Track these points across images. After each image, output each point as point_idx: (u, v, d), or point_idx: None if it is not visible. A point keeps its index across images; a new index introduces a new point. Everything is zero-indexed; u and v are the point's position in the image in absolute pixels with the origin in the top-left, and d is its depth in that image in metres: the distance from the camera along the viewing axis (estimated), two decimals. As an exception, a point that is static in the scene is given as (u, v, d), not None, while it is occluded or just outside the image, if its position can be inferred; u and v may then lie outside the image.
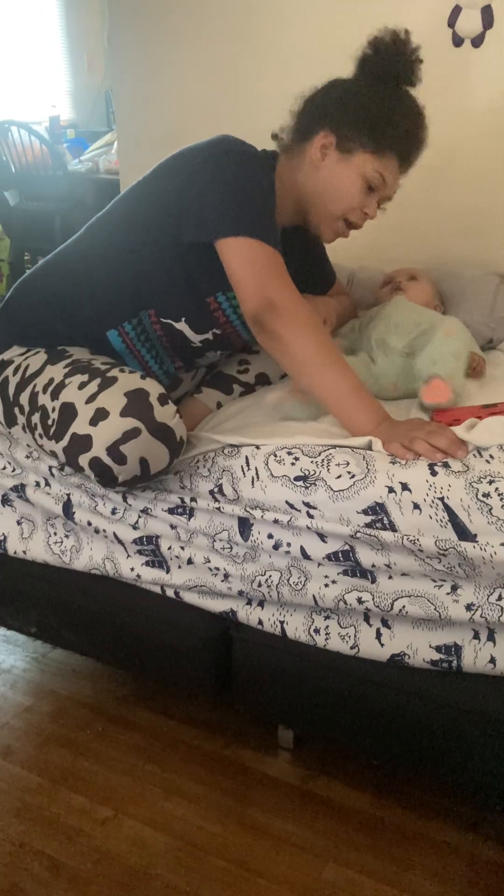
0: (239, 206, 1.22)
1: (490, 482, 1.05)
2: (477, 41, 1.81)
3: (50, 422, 1.22)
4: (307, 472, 1.15)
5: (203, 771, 1.42)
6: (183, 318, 1.34)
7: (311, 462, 1.16)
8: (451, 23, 1.82)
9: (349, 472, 1.13)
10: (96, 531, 1.33)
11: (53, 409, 1.21)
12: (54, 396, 1.22)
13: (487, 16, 1.77)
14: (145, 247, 1.29)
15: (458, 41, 1.83)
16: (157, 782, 1.40)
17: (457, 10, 1.80)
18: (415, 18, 1.84)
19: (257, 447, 1.21)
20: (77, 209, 3.90)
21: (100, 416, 1.14)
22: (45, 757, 1.46)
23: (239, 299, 1.22)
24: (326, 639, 1.19)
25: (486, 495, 1.05)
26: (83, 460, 1.15)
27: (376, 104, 1.30)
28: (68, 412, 1.18)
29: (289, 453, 1.18)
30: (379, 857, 1.25)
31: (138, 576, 1.32)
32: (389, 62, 1.30)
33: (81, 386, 1.19)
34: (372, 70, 1.32)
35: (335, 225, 1.36)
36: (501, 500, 1.04)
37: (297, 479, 1.15)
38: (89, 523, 1.33)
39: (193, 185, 1.24)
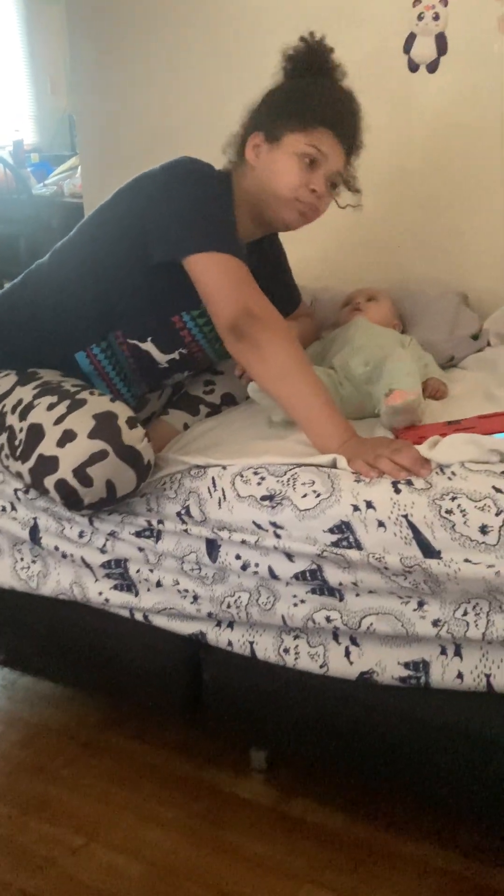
0: (203, 222, 1.24)
1: (452, 499, 1.07)
2: (432, 67, 1.85)
3: (17, 442, 1.21)
4: (273, 492, 1.16)
5: (176, 795, 1.41)
6: (149, 339, 1.35)
7: (277, 481, 1.17)
8: (407, 49, 1.86)
9: (315, 491, 1.14)
10: (63, 556, 1.33)
11: (21, 430, 1.21)
12: (22, 417, 1.22)
13: (441, 43, 1.82)
14: (108, 269, 1.30)
15: (413, 67, 1.87)
16: (130, 808, 1.39)
17: (412, 37, 1.84)
18: (372, 45, 1.88)
19: (224, 468, 1.22)
20: (42, 233, 3.90)
21: (67, 437, 1.14)
22: (14, 786, 1.44)
23: (212, 311, 1.23)
24: (296, 658, 1.20)
25: (449, 512, 1.06)
26: (49, 482, 1.15)
27: (296, 90, 1.36)
28: (36, 433, 1.18)
29: (255, 473, 1.19)
30: (354, 877, 1.25)
31: (107, 600, 1.31)
32: (306, 58, 1.36)
33: (50, 407, 1.19)
34: (292, 68, 1.37)
35: (291, 208, 1.35)
36: (464, 516, 1.06)
37: (263, 498, 1.16)
38: (56, 548, 1.33)
39: (155, 206, 1.26)
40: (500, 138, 1.84)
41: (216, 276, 1.22)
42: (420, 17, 1.82)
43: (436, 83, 1.86)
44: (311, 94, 1.35)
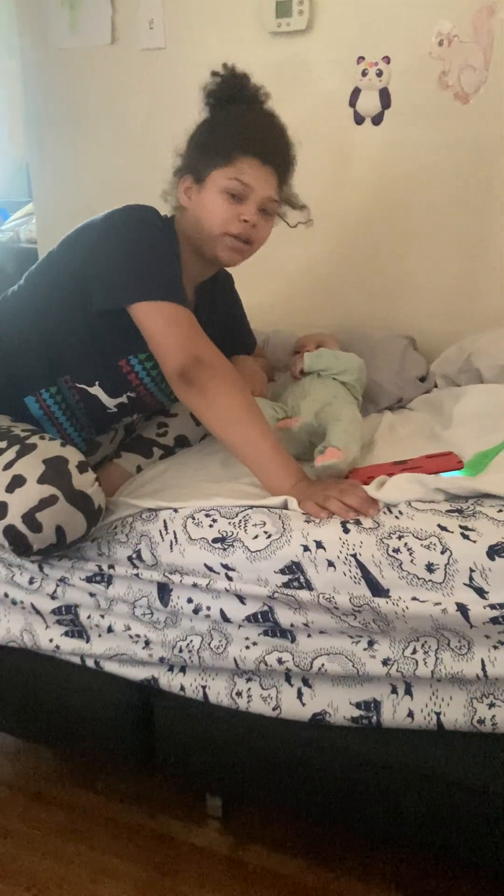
0: (145, 271, 1.24)
1: (399, 537, 1.09)
2: (377, 119, 1.92)
3: None
4: (225, 534, 1.16)
5: (130, 846, 1.38)
6: (97, 383, 1.35)
7: (229, 523, 1.17)
8: (353, 103, 1.93)
9: (265, 532, 1.14)
10: (13, 602, 1.31)
11: None
12: None
13: (385, 97, 1.89)
14: (53, 316, 1.31)
15: (359, 119, 1.94)
16: (83, 862, 1.35)
17: (357, 92, 1.91)
18: (319, 98, 1.95)
19: (175, 510, 1.22)
20: (-3, 277, 3.90)
21: (16, 483, 1.13)
22: (-38, 843, 1.39)
23: (160, 358, 1.23)
24: (249, 701, 1.19)
25: (397, 550, 1.08)
26: (-3, 528, 1.14)
27: (214, 124, 1.37)
28: None
29: (206, 515, 1.19)
30: (310, 925, 1.23)
31: (57, 647, 1.29)
32: (224, 90, 1.38)
33: None
34: (214, 103, 1.39)
35: (222, 243, 1.34)
36: (411, 554, 1.07)
37: (215, 540, 1.16)
38: (6, 595, 1.31)
39: (95, 255, 1.27)
40: (441, 188, 1.91)
41: (162, 325, 1.22)
42: (364, 73, 1.89)
43: (380, 135, 1.93)
44: (228, 124, 1.35)
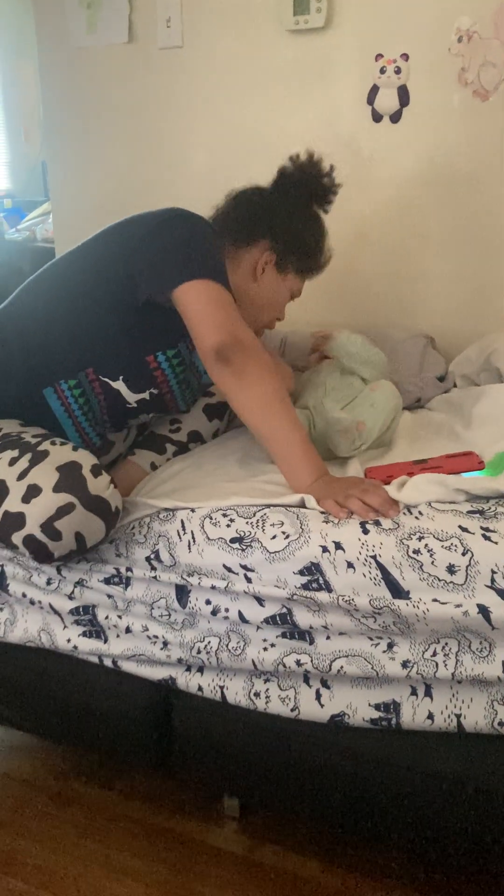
0: (196, 253, 1.26)
1: (420, 538, 1.08)
2: (395, 117, 1.91)
3: None
4: (243, 534, 1.16)
5: (147, 845, 1.38)
6: (121, 377, 1.35)
7: (247, 523, 1.17)
8: (371, 100, 1.92)
9: (284, 533, 1.14)
10: (31, 602, 1.31)
11: None
12: None
13: (403, 94, 1.88)
14: (87, 309, 1.30)
15: (377, 117, 1.92)
16: (100, 861, 1.35)
17: (375, 89, 1.90)
18: (337, 96, 1.94)
19: (193, 510, 1.22)
20: (14, 277, 3.90)
21: (32, 492, 1.12)
22: (-20, 841, 1.40)
23: (199, 336, 1.22)
24: (267, 702, 1.19)
25: (417, 552, 1.07)
26: (17, 538, 1.13)
27: (309, 234, 1.48)
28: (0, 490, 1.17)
29: (224, 515, 1.19)
30: (328, 927, 1.23)
31: (75, 647, 1.29)
32: (307, 180, 1.46)
33: (12, 462, 1.18)
34: (291, 184, 1.46)
35: (259, 329, 1.51)
36: (431, 556, 1.06)
37: (233, 541, 1.16)
38: (24, 595, 1.31)
39: (147, 245, 1.28)
40: (459, 185, 1.89)
41: (205, 302, 1.22)
42: (382, 71, 1.87)
43: (399, 133, 1.91)
44: (319, 244, 1.49)
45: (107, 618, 1.26)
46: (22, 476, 1.14)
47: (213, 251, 1.29)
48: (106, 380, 1.34)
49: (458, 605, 1.04)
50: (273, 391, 1.22)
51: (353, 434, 1.39)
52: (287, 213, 1.45)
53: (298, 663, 1.14)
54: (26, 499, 1.12)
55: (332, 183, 1.48)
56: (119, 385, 1.35)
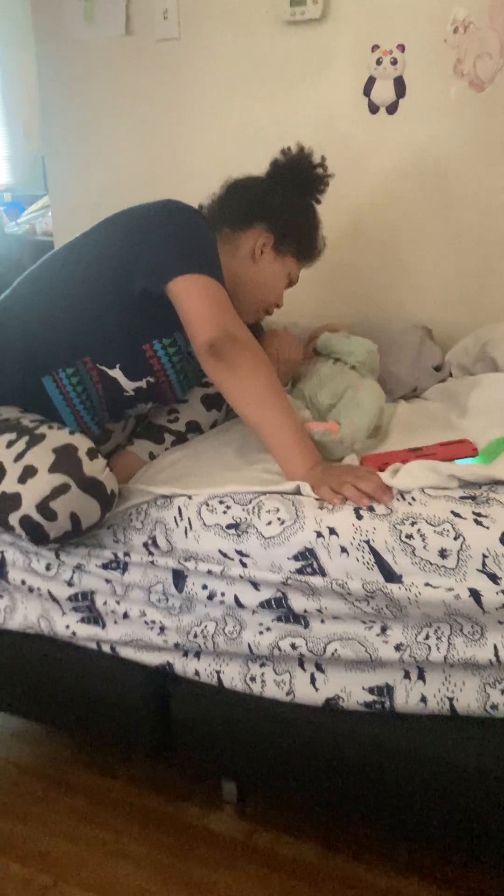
0: (189, 247, 1.27)
1: (412, 524, 1.09)
2: (391, 108, 1.91)
3: None
4: (238, 520, 1.17)
5: (146, 830, 1.40)
6: (117, 365, 1.36)
7: (243, 510, 1.18)
8: (367, 92, 1.92)
9: (279, 519, 1.15)
10: (31, 590, 1.33)
11: None
12: None
13: (399, 86, 1.88)
14: (84, 299, 1.32)
15: (373, 108, 1.93)
16: (99, 845, 1.37)
17: (371, 81, 1.91)
18: (333, 87, 1.95)
19: (189, 497, 1.23)
20: (14, 270, 3.92)
21: (28, 473, 1.14)
22: (-19, 826, 1.42)
23: (192, 330, 1.25)
24: (262, 686, 1.20)
25: (409, 537, 1.08)
26: (13, 519, 1.15)
27: (303, 220, 1.51)
28: None
29: (220, 502, 1.20)
30: (325, 908, 1.24)
31: (74, 633, 1.31)
32: (299, 171, 1.50)
33: (9, 444, 1.19)
34: (284, 174, 1.49)
35: (255, 311, 1.52)
36: (424, 540, 1.08)
37: (228, 527, 1.17)
38: (23, 582, 1.32)
39: (141, 237, 1.29)
40: (455, 176, 1.90)
41: (197, 297, 1.24)
42: (378, 62, 1.88)
43: (395, 124, 1.92)
44: (315, 231, 1.53)
45: (105, 603, 1.27)
46: (19, 458, 1.16)
47: (207, 244, 1.31)
48: (103, 368, 1.36)
49: (449, 589, 1.05)
50: (265, 383, 1.23)
51: (330, 445, 1.37)
52: (281, 199, 1.48)
53: (293, 647, 1.15)
54: (22, 479, 1.14)
55: (323, 173, 1.51)
56: (116, 373, 1.37)
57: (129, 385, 1.38)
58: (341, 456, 1.37)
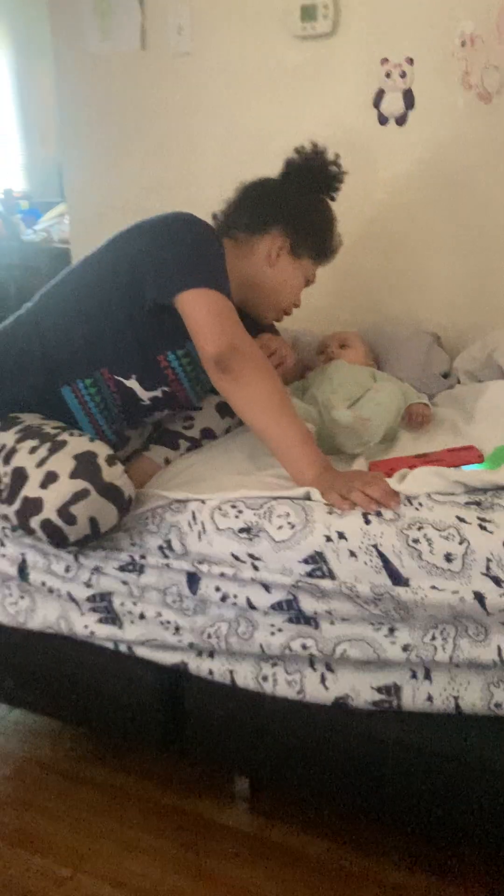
0: (197, 261, 1.31)
1: (419, 528, 1.13)
2: (400, 120, 1.95)
3: (2, 486, 1.26)
4: (250, 524, 1.21)
5: (160, 824, 1.44)
6: (133, 376, 1.41)
7: (254, 514, 1.22)
8: (377, 104, 1.96)
9: (290, 523, 1.19)
10: (50, 591, 1.37)
11: (6, 475, 1.26)
12: (6, 462, 1.27)
13: (409, 98, 1.92)
14: (99, 312, 1.37)
15: (383, 120, 1.97)
16: (115, 838, 1.41)
17: (381, 93, 1.95)
18: (343, 100, 1.99)
19: (203, 501, 1.27)
20: (31, 277, 3.97)
21: (50, 479, 1.19)
22: (2, 819, 1.46)
23: (199, 345, 1.29)
24: (274, 685, 1.24)
25: (416, 541, 1.12)
26: (35, 522, 1.20)
27: (319, 220, 1.54)
28: (19, 476, 1.23)
29: (233, 506, 1.24)
30: (335, 902, 1.28)
31: (92, 633, 1.35)
32: (314, 169, 1.52)
33: (32, 450, 1.24)
34: (298, 174, 1.52)
35: (275, 313, 1.56)
36: (430, 545, 1.11)
37: (241, 531, 1.21)
38: (43, 583, 1.37)
39: (150, 250, 1.33)
40: (463, 186, 1.93)
41: (204, 312, 1.28)
42: (388, 75, 1.92)
43: (404, 135, 1.96)
44: (332, 230, 1.55)
45: (122, 604, 1.32)
46: (41, 464, 1.21)
47: (215, 257, 1.35)
48: (120, 379, 1.40)
49: (454, 592, 1.09)
50: (269, 392, 1.28)
51: (360, 430, 1.43)
52: (297, 199, 1.51)
53: (304, 647, 1.19)
54: (44, 485, 1.18)
55: (338, 170, 1.55)
56: (132, 383, 1.41)
57: (144, 395, 1.43)
58: (360, 451, 1.41)
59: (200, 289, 1.28)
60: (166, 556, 1.27)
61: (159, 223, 1.38)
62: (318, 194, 1.55)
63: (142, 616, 1.31)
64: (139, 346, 1.38)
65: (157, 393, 1.44)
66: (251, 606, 1.22)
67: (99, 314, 1.37)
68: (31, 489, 1.20)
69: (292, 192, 1.51)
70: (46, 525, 1.19)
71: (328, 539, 1.16)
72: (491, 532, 1.10)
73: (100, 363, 1.39)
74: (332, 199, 1.57)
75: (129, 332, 1.37)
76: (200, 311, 1.28)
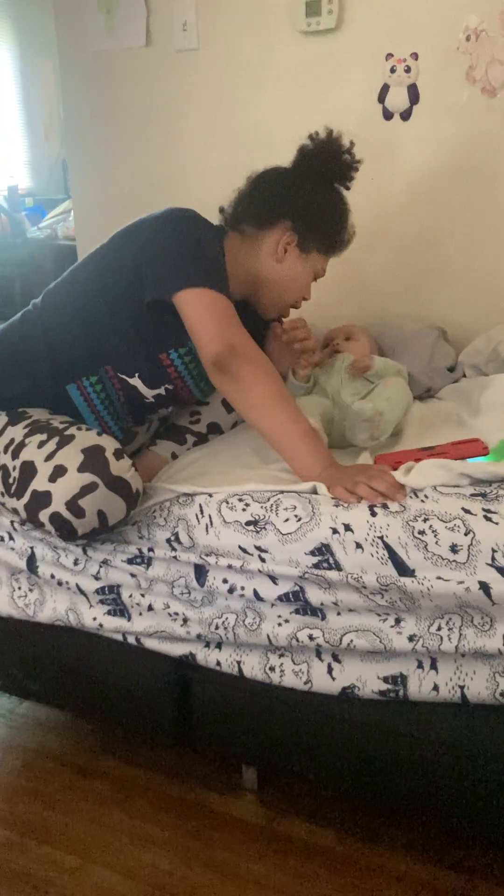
0: (194, 260, 1.31)
1: (425, 520, 1.14)
2: (405, 115, 1.96)
3: (11, 480, 1.28)
4: (257, 517, 1.22)
5: (169, 816, 1.45)
6: (136, 374, 1.42)
7: (261, 507, 1.23)
8: (381, 99, 1.97)
9: (296, 516, 1.20)
10: (59, 583, 1.38)
11: (14, 468, 1.27)
12: (15, 456, 1.28)
13: (413, 93, 1.92)
14: (101, 310, 1.38)
15: (388, 115, 1.97)
16: (124, 829, 1.43)
17: (385, 88, 1.95)
18: (348, 95, 1.99)
19: (210, 495, 1.28)
20: (36, 274, 4.00)
21: (58, 472, 1.20)
22: (12, 810, 1.48)
23: (198, 345, 1.29)
24: (281, 676, 1.25)
25: (422, 532, 1.13)
26: (43, 516, 1.21)
27: (330, 212, 1.50)
28: (28, 470, 1.24)
29: (240, 500, 1.25)
30: (344, 894, 1.29)
31: (101, 625, 1.36)
32: (327, 157, 1.47)
33: (41, 445, 1.25)
34: (311, 163, 1.48)
35: (285, 310, 1.55)
36: (436, 536, 1.12)
37: (248, 524, 1.22)
38: (52, 576, 1.38)
39: (149, 248, 1.34)
40: (468, 180, 1.94)
41: (203, 312, 1.28)
42: (392, 70, 1.93)
43: (409, 130, 1.96)
44: (343, 222, 1.51)
45: (130, 596, 1.33)
46: (49, 458, 1.22)
47: (212, 256, 1.35)
48: (123, 376, 1.42)
49: (460, 582, 1.10)
50: (269, 391, 1.28)
51: (377, 422, 1.43)
52: (308, 192, 1.47)
53: (311, 638, 1.20)
54: (53, 478, 1.20)
55: (352, 159, 1.50)
56: (136, 381, 1.42)
57: (148, 392, 1.44)
58: (372, 444, 1.42)
59: (199, 288, 1.28)
60: (174, 549, 1.28)
61: (157, 220, 1.37)
62: (331, 184, 1.51)
63: (150, 608, 1.32)
64: (140, 344, 1.39)
65: (161, 391, 1.45)
66: (258, 598, 1.23)
67: (101, 312, 1.38)
68: (39, 483, 1.21)
69: (303, 184, 1.47)
70: (55, 518, 1.20)
71: (334, 531, 1.17)
72: (496, 523, 1.11)
73: (104, 361, 1.40)
74: (347, 188, 1.52)
75: (131, 329, 1.38)
76: (199, 311, 1.28)
